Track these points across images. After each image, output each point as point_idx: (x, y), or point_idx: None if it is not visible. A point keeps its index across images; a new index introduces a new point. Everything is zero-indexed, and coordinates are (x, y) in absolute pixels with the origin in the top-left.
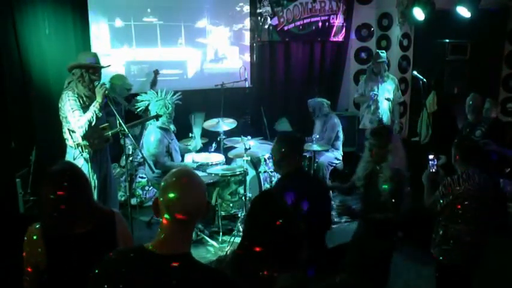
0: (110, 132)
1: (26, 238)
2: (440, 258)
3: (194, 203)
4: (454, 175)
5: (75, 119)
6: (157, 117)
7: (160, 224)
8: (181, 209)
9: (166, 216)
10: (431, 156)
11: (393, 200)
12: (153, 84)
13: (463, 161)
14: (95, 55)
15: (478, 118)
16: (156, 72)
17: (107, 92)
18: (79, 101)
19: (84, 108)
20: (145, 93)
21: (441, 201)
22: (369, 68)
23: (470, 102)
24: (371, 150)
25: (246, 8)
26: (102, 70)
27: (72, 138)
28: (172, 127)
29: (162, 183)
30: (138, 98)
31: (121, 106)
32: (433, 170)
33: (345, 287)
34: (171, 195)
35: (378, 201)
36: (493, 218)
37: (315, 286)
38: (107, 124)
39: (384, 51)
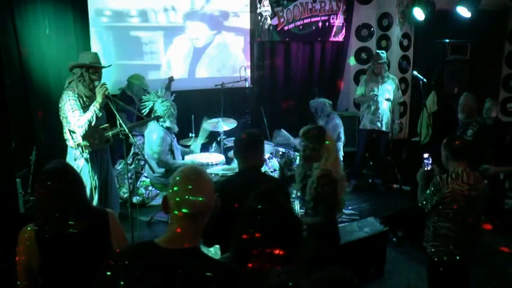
0: (110, 133)
1: (19, 240)
2: (430, 254)
3: (203, 200)
4: (444, 174)
5: (75, 119)
6: (157, 118)
7: (170, 220)
8: (190, 206)
9: (176, 212)
10: (426, 155)
11: (322, 203)
12: (167, 89)
13: (454, 160)
14: (96, 54)
15: (469, 117)
16: (171, 79)
17: (107, 92)
18: (79, 101)
19: (85, 108)
20: (148, 93)
21: (433, 199)
22: (369, 68)
23: (461, 102)
24: (304, 152)
25: (246, 8)
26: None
27: (72, 138)
28: (176, 127)
29: (171, 181)
30: (144, 97)
31: (135, 105)
32: (428, 168)
33: (332, 280)
34: (181, 192)
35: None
36: (488, 216)
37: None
38: (107, 125)
39: (384, 51)
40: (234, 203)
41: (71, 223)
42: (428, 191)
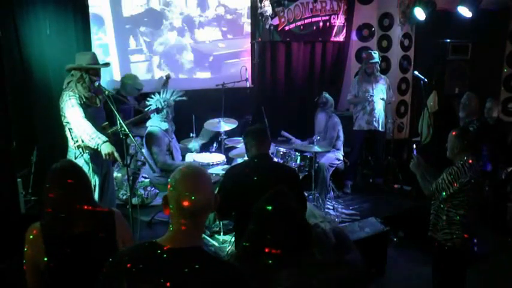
0: (110, 131)
1: (26, 237)
2: (443, 242)
3: (203, 198)
4: (457, 164)
5: (75, 114)
6: (146, 114)
7: (171, 220)
8: (190, 204)
9: (176, 211)
10: (415, 146)
11: None
12: (164, 87)
13: (465, 151)
14: (94, 55)
15: (469, 116)
16: (168, 77)
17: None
18: (80, 101)
19: (84, 108)
20: (156, 94)
21: (451, 188)
22: (361, 69)
23: (462, 100)
24: None
25: (247, 8)
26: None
27: (72, 139)
28: (168, 125)
29: (171, 180)
30: (148, 99)
31: (130, 105)
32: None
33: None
34: (180, 191)
35: None
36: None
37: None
38: (106, 123)
39: (376, 51)
40: (245, 181)
41: (77, 222)
42: (441, 181)
